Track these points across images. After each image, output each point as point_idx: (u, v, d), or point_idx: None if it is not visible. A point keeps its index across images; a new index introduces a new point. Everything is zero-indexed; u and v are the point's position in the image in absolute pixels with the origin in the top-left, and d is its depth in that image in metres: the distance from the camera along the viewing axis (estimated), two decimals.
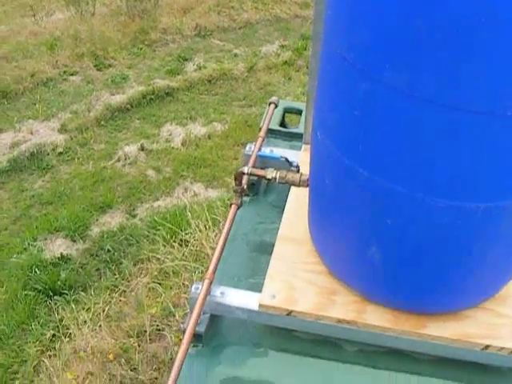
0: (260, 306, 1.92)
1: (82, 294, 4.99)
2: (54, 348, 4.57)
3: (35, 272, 5.15)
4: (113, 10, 9.59)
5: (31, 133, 7.00)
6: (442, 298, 1.85)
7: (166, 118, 7.34)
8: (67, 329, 4.64)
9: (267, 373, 1.93)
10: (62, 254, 5.42)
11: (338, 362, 1.95)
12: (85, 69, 8.27)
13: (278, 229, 2.17)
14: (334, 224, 1.89)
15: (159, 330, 4.56)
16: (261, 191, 2.57)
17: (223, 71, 8.22)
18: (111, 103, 7.47)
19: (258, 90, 7.98)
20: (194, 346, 1.95)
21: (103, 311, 4.75)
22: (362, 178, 1.62)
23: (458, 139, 1.44)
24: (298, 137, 2.72)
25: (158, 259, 5.09)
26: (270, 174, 2.19)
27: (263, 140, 2.56)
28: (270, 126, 2.70)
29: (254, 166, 2.34)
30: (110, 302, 4.86)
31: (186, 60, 8.56)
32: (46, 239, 5.64)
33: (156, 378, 4.28)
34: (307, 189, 2.09)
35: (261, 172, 2.24)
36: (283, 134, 2.83)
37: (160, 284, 4.88)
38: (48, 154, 6.70)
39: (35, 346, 4.62)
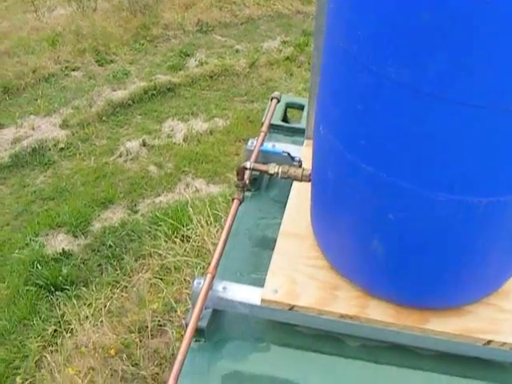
0: (262, 300, 1.92)
1: (84, 289, 4.99)
2: (56, 343, 4.56)
3: (37, 267, 5.15)
4: (115, 6, 9.58)
5: (33, 128, 7.00)
6: (445, 293, 1.84)
7: (167, 114, 7.33)
8: (69, 324, 4.64)
9: (269, 367, 1.93)
10: (63, 249, 5.42)
11: (340, 356, 1.95)
12: (86, 64, 8.26)
13: (280, 224, 2.17)
14: (337, 219, 1.89)
15: (161, 325, 4.56)
16: (263, 186, 2.57)
17: (225, 67, 8.21)
18: (113, 99, 7.46)
19: (260, 86, 7.96)
20: (196, 340, 1.95)
21: (105, 307, 4.75)
22: (364, 173, 1.61)
23: (460, 134, 1.44)
24: (299, 132, 2.71)
25: (160, 255, 5.08)
26: (273, 168, 2.18)
27: (265, 135, 2.55)
28: (272, 121, 2.70)
29: (256, 161, 2.33)
30: (112, 297, 4.86)
31: (188, 56, 8.55)
32: (47, 235, 5.64)
33: (157, 374, 4.28)
34: (309, 184, 2.09)
35: (263, 167, 2.23)
36: (285, 129, 2.83)
37: (161, 279, 4.88)
38: (50, 150, 6.69)
39: (37, 342, 4.62)
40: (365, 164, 1.60)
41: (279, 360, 1.95)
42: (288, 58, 8.52)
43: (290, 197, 2.29)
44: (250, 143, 2.48)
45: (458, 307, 1.90)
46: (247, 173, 2.26)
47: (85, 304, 4.81)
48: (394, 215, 1.65)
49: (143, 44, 8.79)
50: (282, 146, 2.51)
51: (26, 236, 5.59)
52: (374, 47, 1.45)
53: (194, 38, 9.00)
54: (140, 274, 5.02)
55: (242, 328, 2.03)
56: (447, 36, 1.31)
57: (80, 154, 6.67)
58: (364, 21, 1.46)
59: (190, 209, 5.41)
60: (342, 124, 1.68)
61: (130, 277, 5.06)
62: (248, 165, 2.24)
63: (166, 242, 5.19)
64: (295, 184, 2.30)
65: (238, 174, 2.24)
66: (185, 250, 5.00)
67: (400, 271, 1.81)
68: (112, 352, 4.35)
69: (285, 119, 2.89)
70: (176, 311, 4.59)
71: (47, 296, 4.98)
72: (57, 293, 4.96)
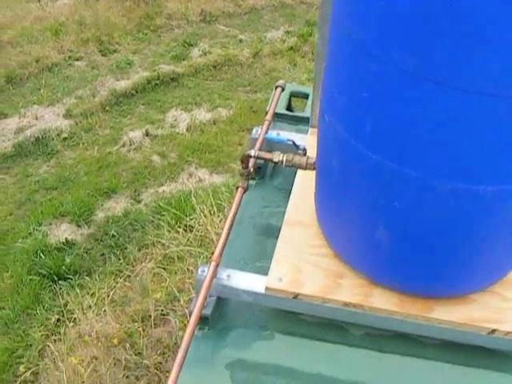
0: (266, 288, 1.92)
1: (87, 278, 5.00)
2: (59, 332, 4.57)
3: (40, 257, 5.16)
4: None
5: (36, 118, 6.99)
6: (449, 282, 1.84)
7: (170, 104, 7.32)
8: (72, 313, 4.65)
9: (273, 356, 1.94)
10: (66, 238, 5.43)
11: (344, 345, 1.96)
12: (90, 54, 8.24)
13: (284, 212, 2.17)
14: (341, 207, 1.88)
15: (164, 314, 4.57)
16: (267, 175, 2.57)
17: (228, 57, 8.18)
18: (116, 88, 7.44)
19: (263, 76, 7.94)
20: (200, 328, 1.95)
21: (108, 296, 4.75)
22: (369, 160, 1.61)
23: (466, 122, 1.43)
24: (304, 121, 2.71)
25: (163, 244, 5.09)
26: (277, 157, 2.18)
27: (270, 123, 2.55)
28: (276, 110, 2.69)
29: (260, 149, 2.33)
30: (115, 286, 4.87)
31: (191, 45, 8.52)
32: (50, 224, 5.65)
33: (160, 363, 4.29)
34: (314, 172, 2.08)
35: (268, 155, 2.23)
36: (289, 117, 2.82)
37: (165, 269, 4.88)
38: (53, 140, 6.68)
39: (40, 331, 4.63)
40: (370, 152, 1.60)
41: (283, 348, 1.96)
42: (292, 48, 8.49)
43: (294, 185, 2.28)
44: (254, 131, 2.48)
45: (463, 296, 1.90)
46: (252, 161, 2.25)
47: (88, 293, 4.82)
48: (399, 203, 1.64)
49: (146, 34, 8.77)
50: (286, 134, 2.50)
51: (30, 225, 5.59)
52: (380, 34, 1.44)
53: (197, 28, 8.97)
54: (143, 264, 5.03)
55: (246, 316, 2.04)
56: (452, 23, 1.30)
57: (83, 144, 6.66)
58: (370, 8, 1.46)
59: (193, 198, 5.40)
60: (348, 112, 1.67)
61: (133, 266, 5.06)
62: (252, 153, 2.23)
63: (169, 231, 5.19)
64: (299, 172, 2.29)
65: (242, 162, 2.24)
66: (188, 240, 5.01)
67: (404, 259, 1.81)
68: (115, 341, 4.36)
69: (289, 108, 2.88)
70: (179, 300, 4.60)
71: (50, 285, 4.99)
72: (60, 282, 4.97)
